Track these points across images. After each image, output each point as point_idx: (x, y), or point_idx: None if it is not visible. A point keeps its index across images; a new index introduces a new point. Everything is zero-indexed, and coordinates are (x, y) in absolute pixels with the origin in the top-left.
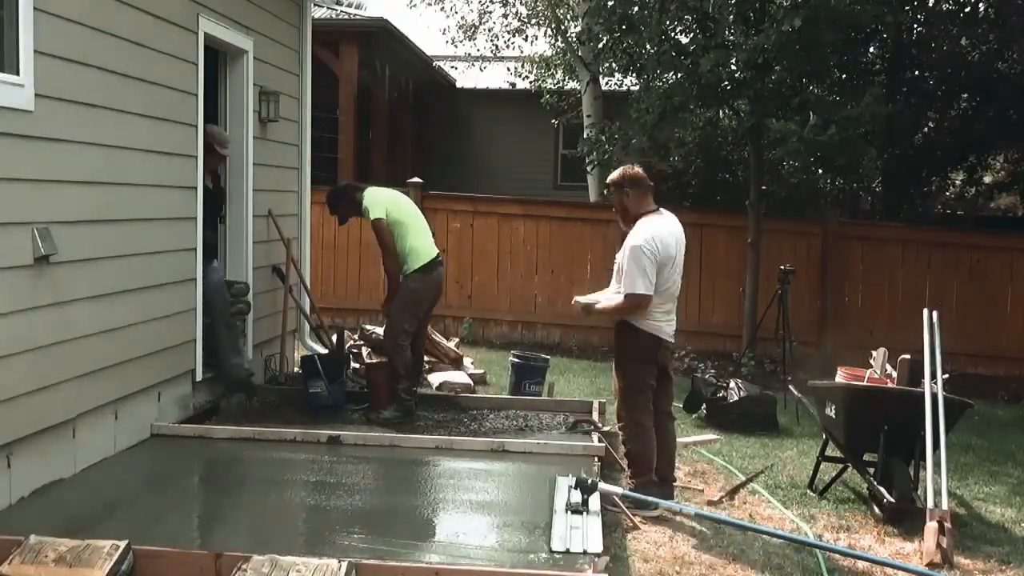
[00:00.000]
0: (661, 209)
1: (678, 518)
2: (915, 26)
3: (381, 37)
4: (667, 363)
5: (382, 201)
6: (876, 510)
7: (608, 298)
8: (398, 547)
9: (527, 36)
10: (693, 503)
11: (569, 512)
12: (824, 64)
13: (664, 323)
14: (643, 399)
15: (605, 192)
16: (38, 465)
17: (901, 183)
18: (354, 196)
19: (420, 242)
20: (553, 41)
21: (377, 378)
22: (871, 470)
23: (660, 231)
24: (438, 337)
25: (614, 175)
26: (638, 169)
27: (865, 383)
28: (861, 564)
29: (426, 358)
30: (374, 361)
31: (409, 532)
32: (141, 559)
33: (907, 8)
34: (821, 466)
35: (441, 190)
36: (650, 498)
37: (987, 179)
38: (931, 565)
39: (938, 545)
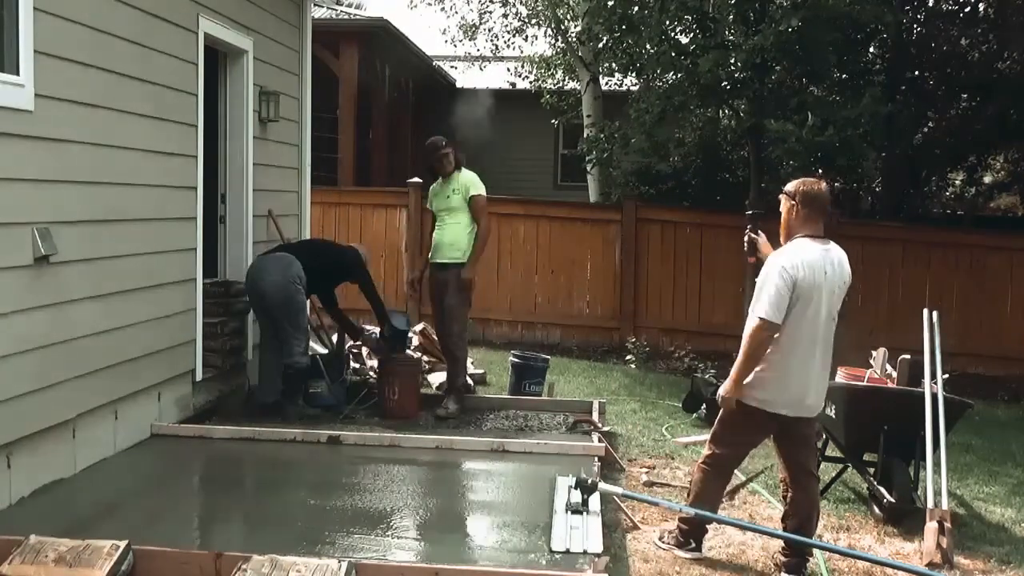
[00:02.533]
0: (829, 241)
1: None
2: (915, 26)
3: (381, 37)
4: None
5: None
6: (876, 510)
7: None
8: (398, 547)
9: (527, 36)
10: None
11: (569, 512)
12: (823, 64)
13: (793, 382)
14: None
15: (780, 196)
16: (38, 465)
17: (901, 183)
18: (460, 158)
19: None
20: (553, 41)
21: (407, 382)
22: (871, 470)
23: (812, 257)
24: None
25: (791, 184)
26: (822, 184)
27: (865, 383)
28: (861, 564)
29: (426, 358)
30: (399, 360)
31: (409, 532)
32: (141, 559)
33: (907, 8)
34: (821, 466)
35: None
36: (650, 498)
37: (987, 179)
38: (931, 565)
39: (938, 545)
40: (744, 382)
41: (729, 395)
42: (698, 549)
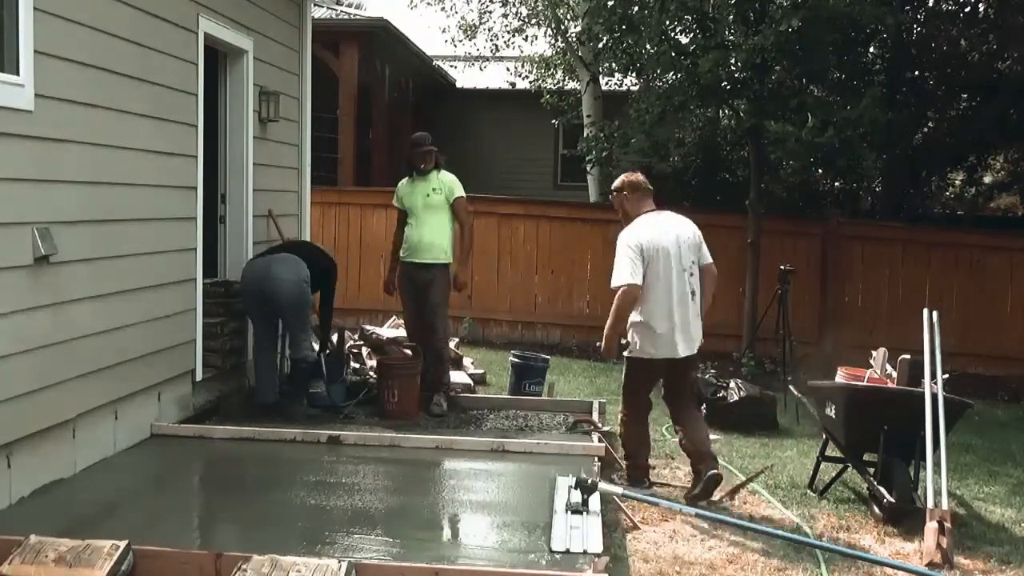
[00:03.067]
0: (662, 210)
1: (678, 518)
2: (915, 26)
3: (381, 37)
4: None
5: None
6: (876, 510)
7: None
8: (398, 547)
9: (527, 36)
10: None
11: (569, 512)
12: (823, 64)
13: (663, 331)
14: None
15: (611, 196)
16: (38, 465)
17: (901, 183)
18: (438, 159)
19: None
20: (553, 41)
21: (407, 383)
22: (871, 470)
23: (649, 226)
24: None
25: (616, 182)
26: (637, 174)
27: (865, 383)
28: (861, 564)
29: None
30: (398, 362)
31: (409, 532)
32: (141, 559)
33: (907, 8)
34: (821, 466)
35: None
36: (651, 498)
37: (987, 179)
38: (931, 565)
39: (938, 545)
40: (625, 340)
41: (608, 353)
42: (649, 486)
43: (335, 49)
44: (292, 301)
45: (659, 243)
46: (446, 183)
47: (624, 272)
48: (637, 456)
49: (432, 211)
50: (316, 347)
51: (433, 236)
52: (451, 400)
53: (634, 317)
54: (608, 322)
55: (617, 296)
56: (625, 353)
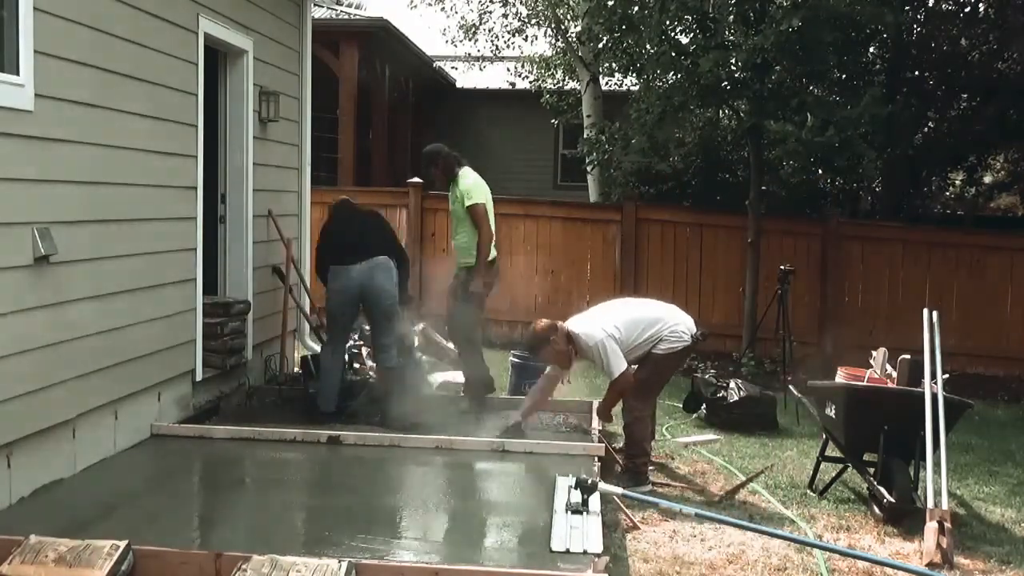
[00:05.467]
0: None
1: (678, 518)
2: (915, 26)
3: (381, 37)
4: None
5: (482, 188)
6: (876, 510)
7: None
8: (398, 547)
9: (527, 36)
10: (693, 503)
11: (569, 512)
12: (824, 64)
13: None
14: None
15: (541, 352)
16: (38, 465)
17: (901, 183)
18: (453, 165)
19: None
20: (553, 41)
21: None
22: (871, 470)
23: (601, 318)
24: (438, 337)
25: (536, 339)
26: (542, 321)
27: (865, 383)
28: (861, 564)
29: (426, 358)
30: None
31: (409, 532)
32: (141, 559)
33: (907, 8)
34: (821, 466)
35: (441, 190)
36: (651, 498)
37: (987, 179)
38: (931, 565)
39: (938, 545)
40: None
41: (608, 419)
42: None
43: (335, 49)
44: (388, 311)
45: (623, 317)
46: (461, 192)
47: (620, 360)
48: (647, 453)
49: (459, 221)
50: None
51: (461, 242)
52: (482, 402)
53: (658, 344)
54: (608, 398)
55: (616, 382)
56: (660, 350)
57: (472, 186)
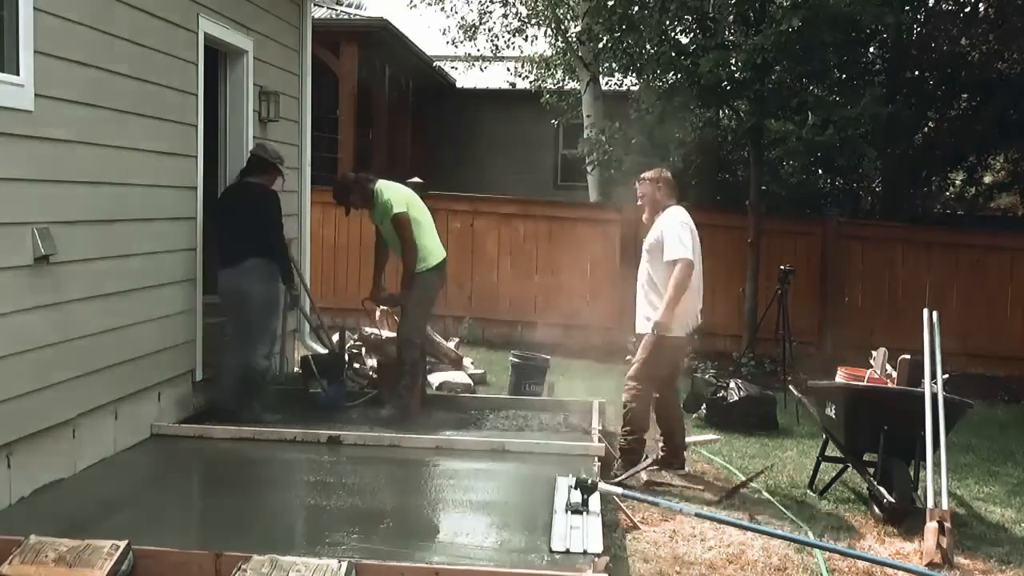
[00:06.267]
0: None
1: (678, 518)
2: (915, 26)
3: (381, 37)
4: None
5: (403, 196)
6: (876, 510)
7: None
8: (398, 547)
9: (527, 36)
10: (693, 503)
11: (569, 512)
12: (824, 64)
13: (692, 308)
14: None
15: (638, 183)
16: (38, 465)
17: (901, 183)
18: (366, 187)
19: (433, 241)
20: (553, 41)
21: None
22: (871, 470)
23: (686, 216)
24: (438, 337)
25: (650, 172)
26: (668, 173)
27: (865, 383)
28: (861, 564)
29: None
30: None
31: (409, 532)
32: (141, 559)
33: (907, 8)
34: (821, 466)
35: (441, 190)
36: (650, 498)
37: (987, 179)
38: (931, 565)
39: (938, 545)
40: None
41: (665, 329)
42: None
43: (335, 49)
44: (259, 312)
45: (694, 232)
46: (379, 211)
47: (684, 246)
48: (642, 432)
49: (391, 238)
50: (320, 349)
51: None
52: (403, 406)
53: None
54: (670, 294)
55: (678, 269)
56: (658, 332)
57: (389, 199)
